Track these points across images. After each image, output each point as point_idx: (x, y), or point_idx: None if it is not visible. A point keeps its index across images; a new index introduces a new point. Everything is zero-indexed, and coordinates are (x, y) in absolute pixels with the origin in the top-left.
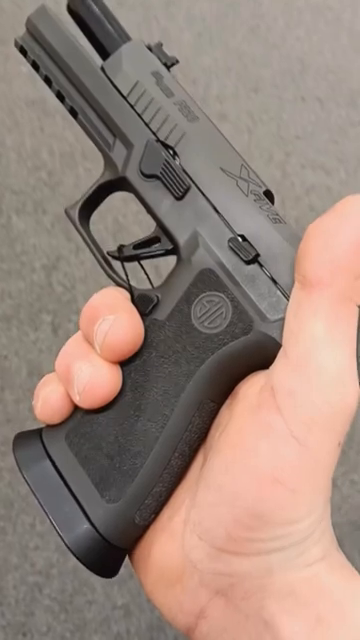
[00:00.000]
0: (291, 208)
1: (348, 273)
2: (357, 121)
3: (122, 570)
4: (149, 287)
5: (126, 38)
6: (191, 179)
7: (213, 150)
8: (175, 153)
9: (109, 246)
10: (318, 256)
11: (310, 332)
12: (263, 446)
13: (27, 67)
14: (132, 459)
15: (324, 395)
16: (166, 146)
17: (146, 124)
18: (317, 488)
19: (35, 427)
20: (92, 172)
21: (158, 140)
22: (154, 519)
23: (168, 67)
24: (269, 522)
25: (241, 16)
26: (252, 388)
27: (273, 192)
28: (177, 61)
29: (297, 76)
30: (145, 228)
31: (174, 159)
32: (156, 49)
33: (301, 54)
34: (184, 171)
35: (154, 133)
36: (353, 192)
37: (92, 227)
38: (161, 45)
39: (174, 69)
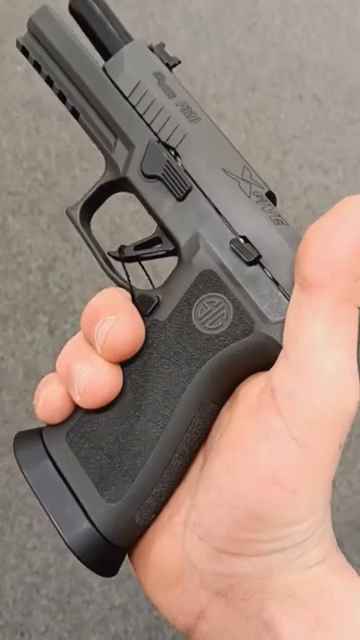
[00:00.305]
0: (289, 207)
1: (348, 275)
2: (355, 119)
3: (120, 570)
4: (149, 288)
5: (128, 38)
6: (193, 180)
7: (215, 151)
8: (177, 154)
9: (106, 246)
10: (317, 258)
11: (310, 334)
12: (263, 447)
13: (22, 67)
14: (132, 459)
15: (324, 396)
16: (168, 147)
17: (148, 125)
18: (317, 489)
19: (33, 428)
20: (88, 172)
21: (160, 141)
22: (154, 519)
23: (170, 68)
24: (269, 523)
25: (238, 14)
26: (252, 390)
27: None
28: (179, 62)
29: (295, 74)
30: (142, 228)
31: (176, 160)
32: (158, 49)
33: (299, 52)
34: (186, 172)
35: (156, 134)
36: (351, 191)
37: None
38: (163, 45)
39: (174, 69)
